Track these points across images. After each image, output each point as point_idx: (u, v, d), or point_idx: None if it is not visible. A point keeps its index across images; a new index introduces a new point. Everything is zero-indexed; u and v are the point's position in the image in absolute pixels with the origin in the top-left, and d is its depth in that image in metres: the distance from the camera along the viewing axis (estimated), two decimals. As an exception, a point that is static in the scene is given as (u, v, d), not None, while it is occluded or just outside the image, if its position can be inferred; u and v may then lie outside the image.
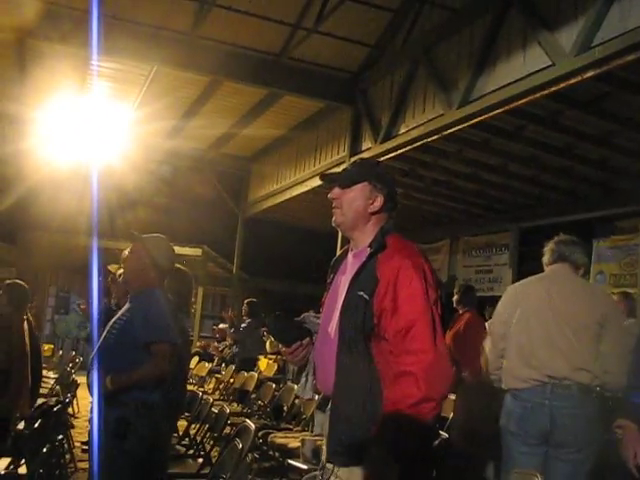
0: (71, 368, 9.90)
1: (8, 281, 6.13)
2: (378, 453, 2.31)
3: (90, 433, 3.78)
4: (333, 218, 2.67)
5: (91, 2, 7.80)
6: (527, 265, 11.89)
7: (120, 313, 3.86)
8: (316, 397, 2.77)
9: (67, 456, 6.16)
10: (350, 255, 2.67)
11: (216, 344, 13.95)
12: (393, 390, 2.35)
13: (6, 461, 4.59)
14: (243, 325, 10.20)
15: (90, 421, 3.83)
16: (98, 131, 11.76)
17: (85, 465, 5.99)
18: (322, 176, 2.78)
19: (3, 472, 4.44)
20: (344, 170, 2.77)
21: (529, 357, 3.94)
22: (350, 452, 2.42)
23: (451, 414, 5.79)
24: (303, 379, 2.73)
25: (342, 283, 2.60)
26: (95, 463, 3.57)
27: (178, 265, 4.44)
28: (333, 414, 2.54)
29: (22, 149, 11.78)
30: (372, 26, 9.54)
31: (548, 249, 4.18)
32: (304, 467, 4.85)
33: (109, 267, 5.43)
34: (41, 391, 8.41)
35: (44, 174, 12.19)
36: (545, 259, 4.19)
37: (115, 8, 8.89)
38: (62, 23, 8.75)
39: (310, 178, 11.91)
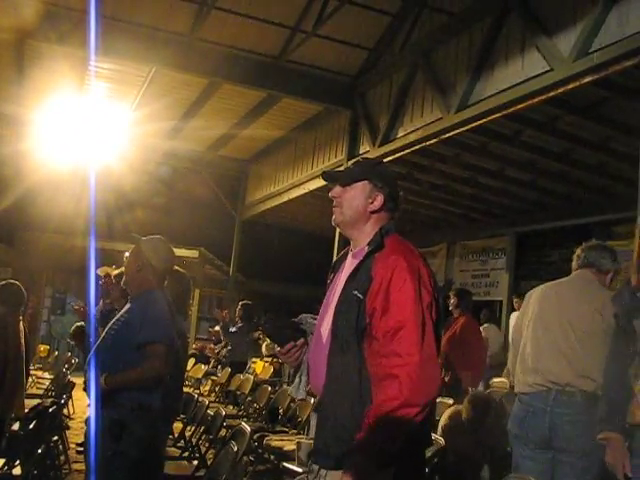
0: (67, 369, 9.89)
1: (3, 281, 6.11)
2: (359, 458, 2.29)
3: (86, 434, 3.77)
4: (333, 217, 2.65)
5: (89, 3, 7.79)
6: (524, 270, 11.93)
7: (119, 314, 3.87)
8: (308, 398, 2.76)
9: (62, 457, 6.15)
10: (350, 255, 2.66)
11: (212, 346, 13.93)
12: (377, 393, 2.33)
13: (0, 462, 4.57)
14: (234, 328, 10.15)
15: (86, 422, 3.82)
16: (96, 132, 11.75)
17: (80, 466, 5.98)
18: (323, 174, 2.76)
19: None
20: (345, 169, 2.76)
21: (535, 362, 3.94)
22: (337, 455, 2.40)
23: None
24: (297, 379, 2.72)
25: (340, 282, 2.59)
26: (91, 464, 3.56)
27: (176, 267, 4.44)
28: (321, 415, 2.53)
29: (20, 150, 11.77)
30: (371, 30, 9.56)
31: (576, 255, 4.18)
32: (299, 470, 4.84)
33: (98, 270, 5.41)
34: (36, 392, 8.41)
35: (42, 175, 12.18)
36: (573, 264, 4.18)
37: (114, 9, 8.89)
38: (60, 24, 8.75)
39: (308, 181, 11.91)
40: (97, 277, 5.41)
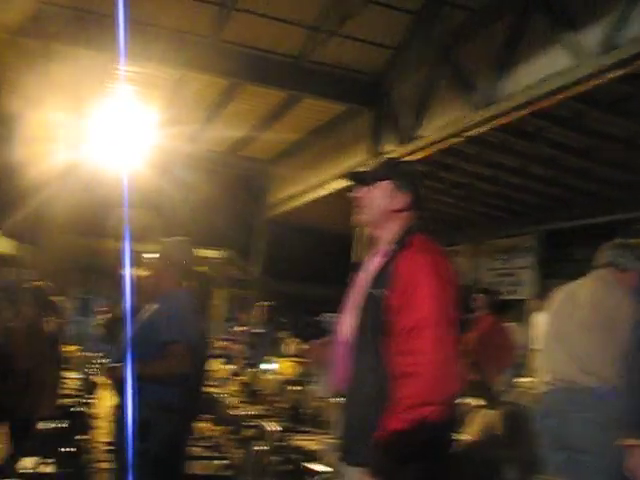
0: (93, 369, 9.94)
1: (31, 283, 6.18)
2: (379, 456, 2.30)
3: (114, 433, 3.82)
4: (357, 217, 2.67)
5: (116, 7, 7.83)
6: (550, 268, 11.82)
7: (144, 314, 3.91)
8: (332, 396, 2.77)
9: (89, 456, 6.20)
10: (374, 254, 2.67)
11: (237, 346, 13.94)
12: (396, 391, 2.33)
13: (30, 460, 4.63)
14: (257, 330, 10.16)
15: (112, 421, 3.86)
16: (122, 135, 11.81)
17: (107, 465, 6.02)
18: (347, 174, 2.79)
19: (28, 471, 4.49)
20: (369, 168, 2.78)
21: (547, 361, 3.99)
22: (358, 453, 2.42)
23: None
24: (321, 378, 2.75)
25: (363, 281, 2.60)
26: (119, 463, 3.60)
27: (198, 267, 4.47)
28: (344, 413, 2.55)
29: (47, 152, 11.87)
30: (393, 28, 9.52)
31: (598, 254, 4.16)
32: (323, 470, 4.84)
33: (125, 271, 5.47)
34: (64, 392, 8.48)
35: (67, 177, 12.27)
36: (596, 263, 4.17)
37: (138, 12, 8.93)
38: (88, 28, 8.83)
39: (330, 181, 11.89)
40: (125, 277, 5.46)
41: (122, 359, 3.67)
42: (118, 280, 5.44)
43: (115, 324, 5.39)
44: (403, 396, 2.29)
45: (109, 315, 5.66)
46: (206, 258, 13.46)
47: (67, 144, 11.89)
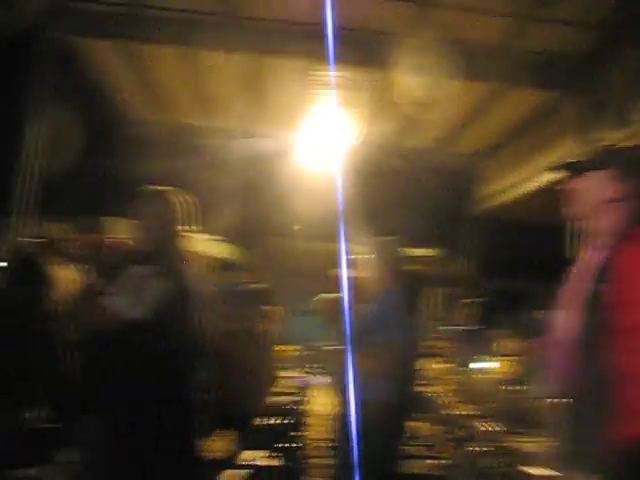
0: (308, 369, 10.30)
1: (248, 286, 6.51)
2: (617, 464, 2.16)
3: (335, 430, 3.94)
4: (572, 209, 2.56)
5: (324, 14, 8.04)
6: None
7: (359, 315, 3.99)
8: (550, 397, 2.67)
9: (304, 452, 6.43)
10: (590, 248, 2.55)
11: (448, 345, 13.84)
12: (621, 392, 2.19)
13: (251, 453, 4.90)
14: (469, 328, 10.05)
15: (333, 419, 3.98)
16: (328, 139, 12.11)
17: (321, 462, 6.21)
18: (560, 165, 2.69)
19: (249, 463, 4.75)
20: (583, 158, 2.66)
21: None
22: (590, 457, 2.29)
23: None
24: (539, 378, 2.66)
25: (580, 277, 2.48)
26: (342, 460, 3.70)
27: (409, 266, 4.49)
28: (570, 415, 2.44)
29: (258, 160, 12.47)
30: (600, 6, 8.96)
31: None
32: (543, 474, 4.67)
33: (332, 272, 5.59)
34: (280, 390, 8.90)
35: (280, 182, 12.83)
36: None
37: (337, 17, 9.14)
38: (292, 38, 9.19)
39: (541, 173, 11.47)
40: (340, 279, 5.62)
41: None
42: (332, 281, 5.61)
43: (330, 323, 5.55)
44: (631, 399, 2.15)
45: (324, 314, 5.81)
46: (415, 257, 13.47)
47: (274, 151, 12.42)
